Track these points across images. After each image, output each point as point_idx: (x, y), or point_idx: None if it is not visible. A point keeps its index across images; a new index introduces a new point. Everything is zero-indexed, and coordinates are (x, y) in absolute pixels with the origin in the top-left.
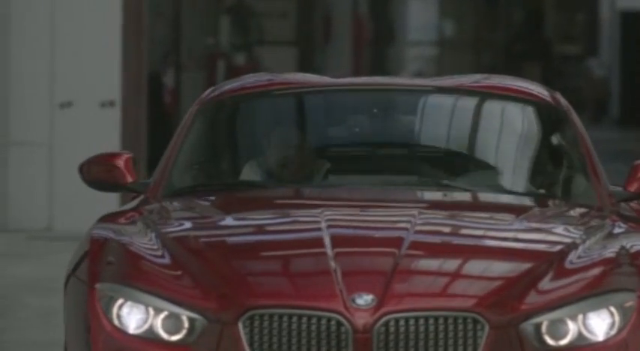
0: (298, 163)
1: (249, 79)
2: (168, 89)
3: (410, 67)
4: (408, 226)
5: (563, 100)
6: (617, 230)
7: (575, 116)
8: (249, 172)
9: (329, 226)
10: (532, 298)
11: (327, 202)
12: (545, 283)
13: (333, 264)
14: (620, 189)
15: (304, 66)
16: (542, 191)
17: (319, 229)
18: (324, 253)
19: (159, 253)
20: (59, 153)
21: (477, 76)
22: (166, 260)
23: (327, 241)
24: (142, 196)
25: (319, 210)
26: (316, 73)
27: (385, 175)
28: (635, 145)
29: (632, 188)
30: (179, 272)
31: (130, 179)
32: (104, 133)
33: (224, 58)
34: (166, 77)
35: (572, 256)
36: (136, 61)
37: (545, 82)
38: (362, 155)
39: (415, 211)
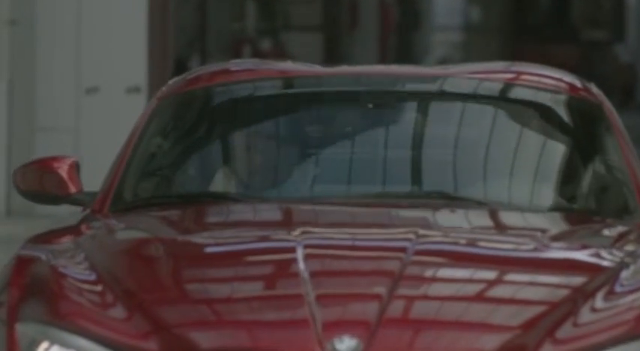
0: (278, 172)
1: (221, 68)
2: None
3: (436, 53)
4: (400, 259)
5: (598, 92)
6: None
7: (612, 111)
8: (219, 182)
9: (308, 270)
10: None
11: (308, 229)
12: (566, 330)
13: (310, 310)
14: None
15: (330, 52)
16: (572, 205)
17: (296, 275)
18: (300, 297)
19: (95, 285)
20: (85, 138)
21: (499, 65)
22: (104, 295)
23: (305, 290)
24: (87, 211)
25: (297, 233)
26: (342, 60)
27: (382, 185)
28: None
29: None
30: (119, 310)
31: (73, 189)
32: (130, 119)
33: (250, 43)
34: (192, 63)
35: (604, 293)
36: (162, 47)
37: (572, 67)
38: (355, 161)
39: (412, 235)
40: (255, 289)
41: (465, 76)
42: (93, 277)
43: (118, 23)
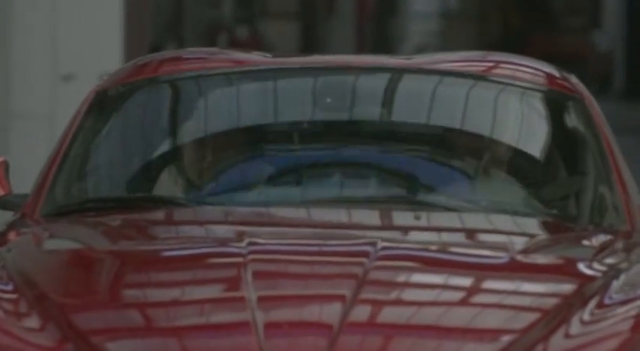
0: (228, 174)
1: (170, 57)
2: None
3: (413, 40)
4: (357, 275)
5: (578, 85)
6: None
7: (594, 105)
8: (162, 185)
9: (254, 289)
10: None
11: (256, 238)
12: (553, 344)
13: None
14: None
15: (307, 39)
16: (550, 210)
17: (243, 304)
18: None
19: (17, 306)
20: (61, 126)
21: (473, 54)
22: (18, 304)
23: (253, 317)
24: (17, 215)
25: (244, 242)
26: (319, 47)
27: (342, 188)
28: None
29: None
30: (33, 319)
31: (1, 191)
32: None
33: (226, 30)
34: (168, 50)
35: (585, 311)
36: (138, 33)
37: (550, 54)
38: (312, 160)
39: (370, 247)
40: (192, 294)
41: (435, 67)
42: (12, 296)
43: (93, 10)
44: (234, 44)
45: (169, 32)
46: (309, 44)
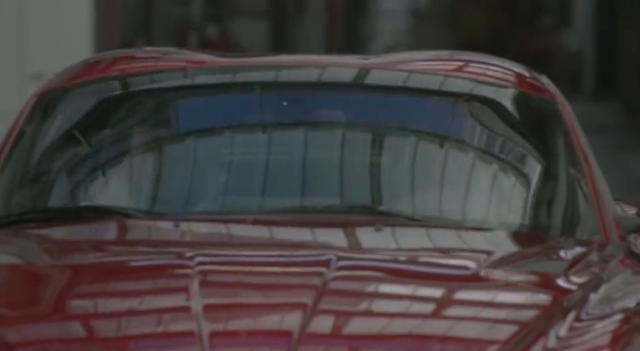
0: (178, 182)
1: (121, 56)
2: None
3: (383, 39)
4: (316, 287)
5: (551, 86)
6: (626, 282)
7: (567, 108)
8: (112, 193)
9: (201, 305)
10: None
11: (205, 252)
12: None
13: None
14: (630, 213)
15: (276, 38)
16: (520, 221)
17: (188, 315)
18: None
19: None
20: None
21: (439, 54)
22: None
23: (199, 328)
24: None
25: (192, 255)
26: (289, 46)
27: (300, 197)
28: (611, 118)
29: None
30: None
31: None
32: None
33: (195, 30)
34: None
35: (558, 329)
36: (107, 32)
37: (520, 53)
38: (269, 168)
39: (327, 261)
40: (135, 306)
41: (398, 67)
42: None
43: (62, 8)
44: (204, 43)
45: (139, 31)
46: (279, 43)
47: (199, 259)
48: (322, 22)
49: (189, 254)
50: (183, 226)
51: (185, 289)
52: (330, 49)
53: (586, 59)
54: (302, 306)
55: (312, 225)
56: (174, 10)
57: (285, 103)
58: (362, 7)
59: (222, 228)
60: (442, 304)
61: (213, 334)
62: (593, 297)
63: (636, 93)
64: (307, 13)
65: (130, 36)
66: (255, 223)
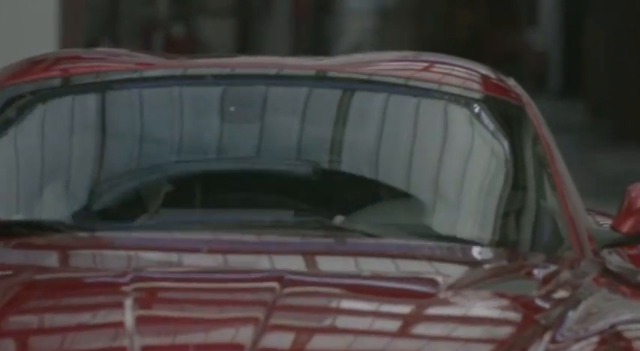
0: (118, 194)
1: (65, 56)
2: None
3: (350, 37)
4: (263, 303)
5: (519, 90)
6: (601, 302)
7: (537, 114)
8: (49, 206)
9: (135, 328)
10: None
11: (143, 275)
12: None
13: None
14: (604, 227)
15: (243, 36)
16: (486, 235)
17: (120, 331)
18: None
19: None
20: None
21: (401, 55)
22: None
23: (131, 344)
24: None
25: (128, 276)
26: (255, 44)
27: (248, 211)
28: (577, 117)
29: (626, 227)
30: None
31: None
32: None
33: (161, 28)
34: (102, 46)
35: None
36: (73, 31)
37: (486, 52)
38: (216, 179)
39: (275, 283)
40: (64, 323)
41: (357, 70)
42: None
43: (27, 7)
44: (170, 42)
45: (104, 30)
46: (246, 42)
47: (136, 275)
48: (289, 20)
49: (124, 271)
50: (120, 241)
51: (117, 308)
52: (296, 47)
53: (552, 58)
54: (253, 320)
55: (262, 240)
56: (140, 9)
57: (232, 109)
58: (328, 5)
59: (161, 244)
60: (402, 323)
61: (147, 349)
62: (567, 318)
63: (602, 92)
64: (274, 12)
65: (95, 35)
66: (199, 239)
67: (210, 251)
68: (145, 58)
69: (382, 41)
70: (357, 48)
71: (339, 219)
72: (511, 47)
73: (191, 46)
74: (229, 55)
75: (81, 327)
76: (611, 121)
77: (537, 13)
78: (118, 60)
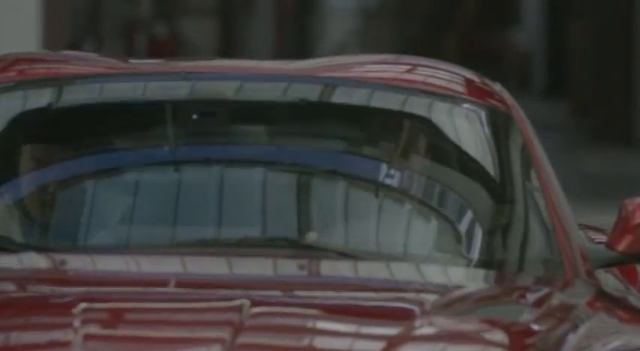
0: (72, 209)
1: (17, 58)
2: None
3: (333, 37)
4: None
5: (506, 96)
6: (602, 326)
7: (524, 122)
8: None
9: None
10: None
11: (95, 296)
12: None
13: None
14: (598, 246)
15: (226, 36)
16: (469, 254)
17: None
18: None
19: None
20: None
21: (381, 58)
22: None
23: None
24: None
25: (81, 308)
26: (238, 45)
27: (213, 228)
28: (561, 116)
29: (622, 245)
30: None
31: None
32: None
33: (144, 28)
34: (85, 46)
35: None
36: (56, 31)
37: (469, 52)
38: (173, 192)
39: (237, 312)
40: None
41: (331, 75)
42: None
43: (10, 7)
44: (153, 42)
45: (88, 30)
46: (229, 42)
47: (89, 296)
48: (272, 20)
49: (76, 293)
50: (75, 261)
51: (65, 331)
52: (280, 47)
53: (536, 58)
54: (219, 341)
55: (226, 260)
56: (123, 9)
57: (195, 117)
58: (312, 5)
59: (118, 264)
60: (377, 349)
61: None
62: (567, 343)
63: (586, 92)
64: (257, 12)
65: (78, 36)
66: (160, 259)
67: (160, 258)
68: (105, 61)
69: (366, 41)
70: (342, 48)
71: (311, 236)
72: (495, 47)
73: (174, 46)
74: (200, 59)
75: (28, 347)
76: (595, 121)
77: (521, 13)
78: (78, 63)
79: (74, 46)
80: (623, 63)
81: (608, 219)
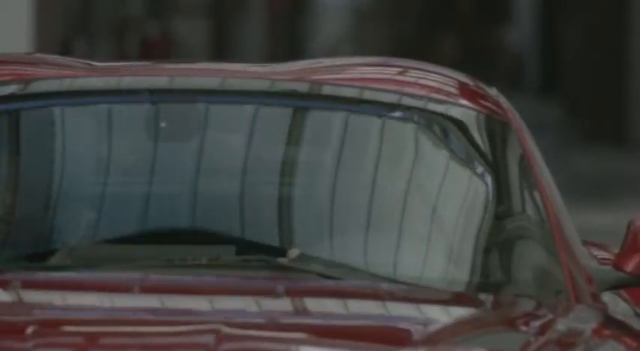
0: (27, 226)
1: None
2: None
3: (325, 36)
4: None
5: (502, 101)
6: None
7: (523, 131)
8: None
9: None
10: None
11: (50, 330)
12: None
13: None
14: (605, 267)
15: (217, 36)
16: (464, 277)
17: None
18: None
19: None
20: None
21: (367, 61)
22: None
23: None
24: None
25: (32, 333)
26: (230, 45)
27: (182, 247)
28: (554, 116)
29: (630, 266)
30: None
31: None
32: None
33: (137, 28)
34: (77, 46)
35: None
36: (47, 30)
37: (461, 51)
38: (140, 207)
39: (210, 336)
40: None
41: (311, 80)
42: None
43: (0, 7)
44: (145, 42)
45: (79, 30)
46: (221, 42)
47: (44, 320)
48: (264, 20)
49: (36, 316)
50: (32, 281)
51: None
52: (272, 47)
53: (529, 57)
54: None
55: (197, 283)
56: (115, 9)
57: (164, 125)
58: (305, 4)
59: (80, 285)
60: None
61: None
62: None
63: (579, 91)
64: (249, 11)
65: (69, 35)
66: (123, 279)
67: (137, 293)
68: (67, 63)
69: (359, 40)
70: (334, 48)
71: (291, 254)
72: (488, 46)
73: (166, 46)
74: (175, 62)
75: None
76: (587, 121)
77: (514, 12)
78: (38, 66)
79: (66, 45)
80: (616, 63)
81: (599, 219)
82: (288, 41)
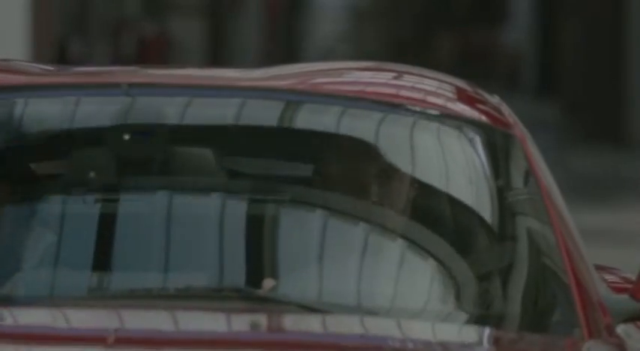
0: None
1: None
2: (74, 58)
3: (322, 37)
4: None
5: (505, 111)
6: None
7: (527, 142)
8: None
9: None
10: None
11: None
12: None
13: None
14: (620, 296)
15: (213, 36)
16: (463, 309)
17: None
18: None
19: None
20: None
21: (359, 66)
22: None
23: None
24: None
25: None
26: (226, 45)
27: (151, 276)
28: (552, 115)
29: None
30: None
31: None
32: None
33: (133, 27)
34: (73, 46)
35: None
36: (44, 29)
37: (458, 51)
38: (105, 229)
39: None
40: None
41: (298, 85)
42: None
43: None
44: (142, 41)
45: (75, 30)
46: (217, 42)
47: None
48: (261, 20)
49: None
50: None
51: None
52: (269, 47)
53: (526, 57)
54: None
55: (167, 315)
56: (111, 8)
57: (126, 137)
58: (301, 4)
59: (43, 318)
60: None
61: None
62: None
63: (577, 90)
64: (246, 11)
65: (65, 35)
66: (86, 313)
67: (99, 327)
68: (35, 69)
69: (355, 40)
70: (330, 49)
71: (267, 284)
72: (485, 46)
73: (163, 46)
74: (144, 67)
75: None
76: (584, 120)
77: (512, 12)
78: (5, 72)
79: (61, 46)
80: (613, 62)
81: (598, 219)
82: (285, 41)
